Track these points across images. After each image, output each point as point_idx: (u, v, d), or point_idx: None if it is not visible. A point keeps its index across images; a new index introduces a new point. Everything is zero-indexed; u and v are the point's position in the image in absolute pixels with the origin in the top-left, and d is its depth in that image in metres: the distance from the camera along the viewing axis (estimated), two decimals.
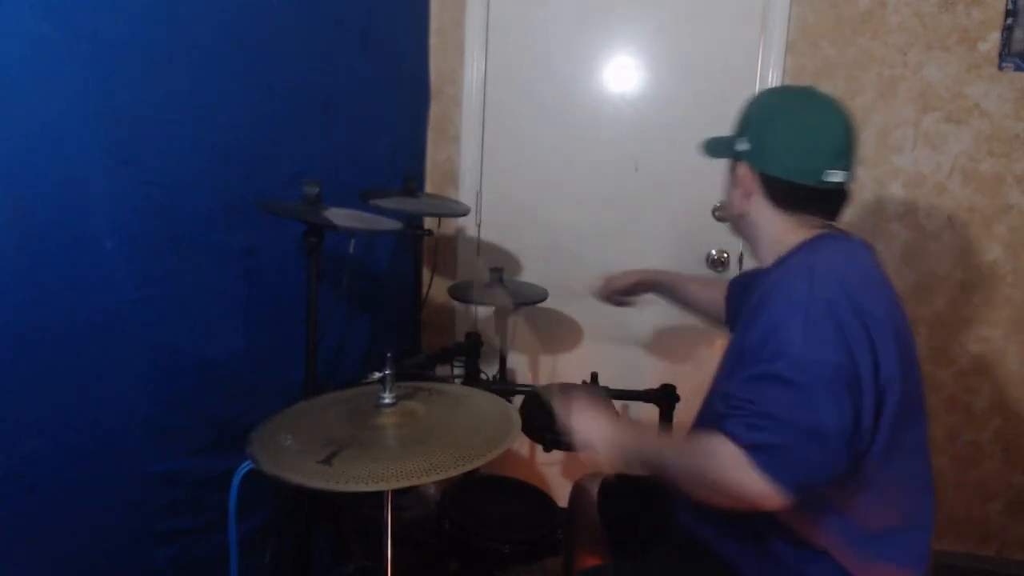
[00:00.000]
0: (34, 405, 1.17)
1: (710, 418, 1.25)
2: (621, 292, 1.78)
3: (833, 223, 1.21)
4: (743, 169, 1.21)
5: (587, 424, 1.23)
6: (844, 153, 1.17)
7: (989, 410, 2.30)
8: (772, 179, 1.19)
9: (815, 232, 1.19)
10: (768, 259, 1.24)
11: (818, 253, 1.14)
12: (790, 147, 1.17)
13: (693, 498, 1.10)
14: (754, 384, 1.03)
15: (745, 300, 1.36)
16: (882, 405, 1.04)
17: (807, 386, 0.98)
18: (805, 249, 1.17)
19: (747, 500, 1.00)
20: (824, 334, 1.01)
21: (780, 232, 1.21)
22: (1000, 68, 2.16)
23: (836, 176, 1.16)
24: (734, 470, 1.00)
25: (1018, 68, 2.14)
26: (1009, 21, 2.13)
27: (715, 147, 1.32)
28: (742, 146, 1.21)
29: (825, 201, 1.20)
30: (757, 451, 0.98)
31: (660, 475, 1.15)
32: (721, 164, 1.31)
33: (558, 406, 1.28)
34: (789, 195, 1.19)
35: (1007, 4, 2.12)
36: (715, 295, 1.60)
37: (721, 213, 1.35)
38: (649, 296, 1.80)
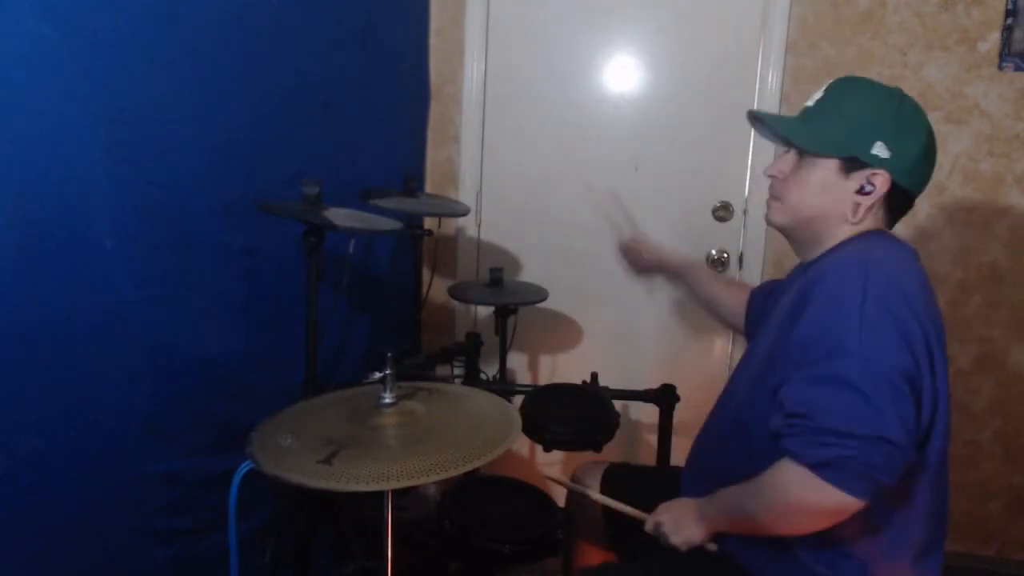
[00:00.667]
0: (34, 405, 1.17)
1: (736, 425, 1.25)
2: (646, 264, 1.69)
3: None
4: (881, 177, 1.12)
5: (677, 521, 1.23)
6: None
7: (989, 410, 2.30)
8: (902, 191, 1.14)
9: (863, 227, 1.16)
10: (815, 253, 1.20)
11: (873, 248, 1.11)
12: (925, 160, 1.14)
13: (789, 534, 1.10)
14: (811, 389, 1.01)
15: (769, 306, 1.35)
16: (936, 411, 1.06)
17: (868, 391, 0.96)
18: (858, 243, 1.14)
19: (829, 514, 1.02)
20: (883, 332, 0.99)
21: (854, 233, 1.17)
22: (1000, 68, 2.16)
23: None
24: (807, 490, 1.00)
25: (1018, 68, 2.14)
26: (1009, 21, 2.13)
27: (815, 139, 1.16)
28: (880, 151, 1.11)
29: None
30: (824, 468, 0.98)
31: (752, 526, 1.13)
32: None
33: (647, 522, 1.28)
34: (904, 207, 1.18)
35: (1007, 4, 2.12)
36: (739, 299, 1.54)
37: (794, 213, 1.21)
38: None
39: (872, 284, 1.02)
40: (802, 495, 1.01)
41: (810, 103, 1.21)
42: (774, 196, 1.23)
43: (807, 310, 1.06)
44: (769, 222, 1.26)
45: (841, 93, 1.19)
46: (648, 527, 1.28)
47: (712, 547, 1.23)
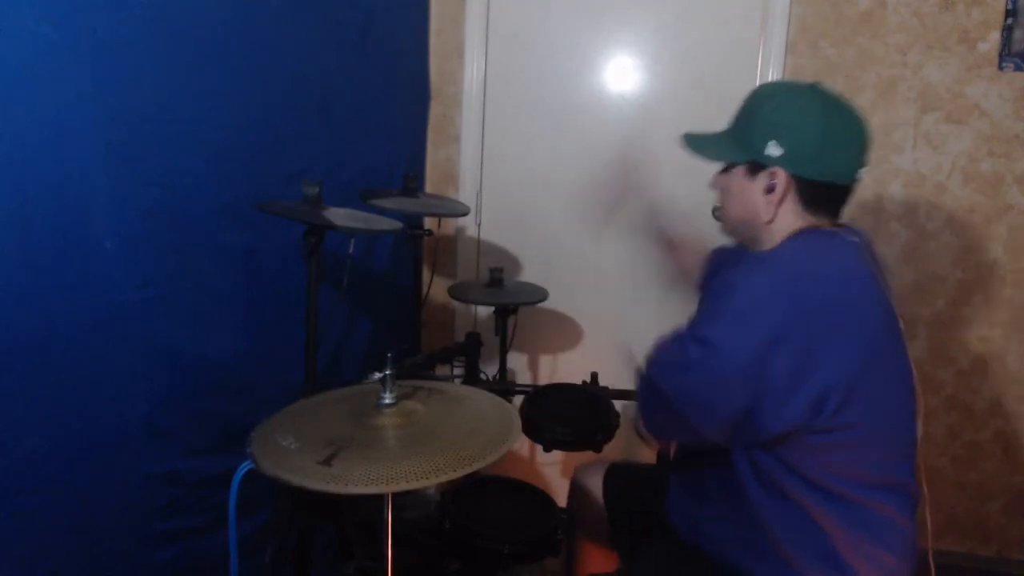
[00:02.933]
0: (34, 405, 1.17)
1: None
2: (694, 260, 1.72)
3: (836, 217, 1.22)
4: (778, 175, 1.16)
5: None
6: (868, 148, 1.19)
7: (989, 410, 2.30)
8: (809, 182, 1.16)
9: (803, 227, 1.19)
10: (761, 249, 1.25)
11: (794, 248, 1.16)
12: (831, 149, 1.16)
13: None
14: (685, 337, 1.11)
15: (723, 267, 1.42)
16: (818, 403, 1.04)
17: (726, 312, 1.06)
18: (785, 244, 1.18)
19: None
20: (774, 293, 1.05)
21: (789, 230, 1.19)
22: (1000, 68, 2.16)
23: (863, 172, 1.18)
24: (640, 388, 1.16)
25: (1018, 68, 2.14)
26: (1009, 21, 2.13)
27: (719, 148, 1.27)
28: (774, 151, 1.16)
29: (845, 196, 1.21)
30: (658, 345, 1.13)
31: None
32: (720, 164, 1.30)
33: None
34: (822, 196, 1.19)
35: (1007, 4, 2.12)
36: (698, 259, 1.64)
37: (730, 220, 1.31)
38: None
39: (758, 272, 1.10)
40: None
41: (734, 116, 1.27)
42: (719, 207, 1.34)
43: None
44: (725, 233, 1.37)
45: (748, 101, 1.26)
46: None
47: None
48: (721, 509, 1.21)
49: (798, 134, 1.16)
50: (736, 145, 1.23)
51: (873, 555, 1.10)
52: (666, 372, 1.13)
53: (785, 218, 1.19)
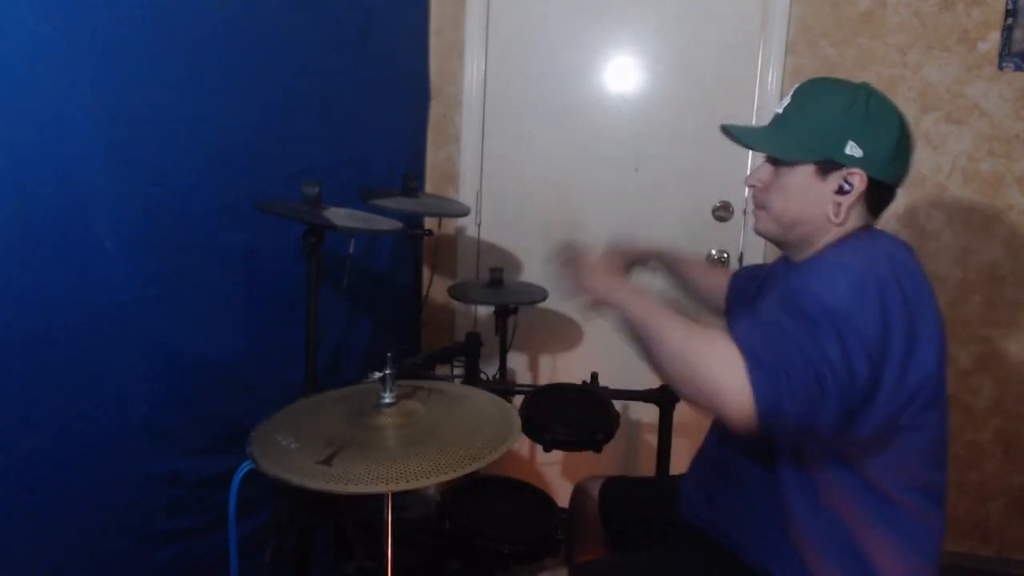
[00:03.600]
0: (34, 405, 1.17)
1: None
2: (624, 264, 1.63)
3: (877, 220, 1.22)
4: (857, 176, 1.12)
5: (596, 273, 1.25)
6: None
7: (989, 410, 2.30)
8: (883, 185, 1.15)
9: (850, 226, 1.17)
10: (805, 255, 1.21)
11: (877, 240, 1.13)
12: (899, 153, 1.15)
13: (663, 374, 1.09)
14: (776, 307, 1.01)
15: (753, 292, 1.36)
16: (914, 394, 1.05)
17: (827, 329, 0.95)
18: (846, 243, 1.15)
19: (717, 397, 0.96)
20: (866, 301, 0.98)
21: (843, 233, 1.17)
22: (1000, 68, 2.16)
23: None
24: (723, 364, 0.96)
25: (1018, 68, 2.14)
26: (1009, 21, 2.13)
27: (786, 146, 1.18)
28: (852, 151, 1.12)
29: (892, 201, 1.21)
30: (754, 356, 0.95)
31: (647, 342, 1.11)
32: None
33: (568, 263, 1.28)
34: (887, 200, 1.18)
35: (1007, 4, 2.12)
36: (719, 280, 1.55)
37: (782, 219, 1.22)
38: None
39: (872, 263, 1.04)
40: (716, 365, 0.98)
41: (779, 109, 1.22)
42: (758, 206, 1.25)
43: (808, 281, 1.06)
44: (758, 232, 1.27)
45: (807, 96, 1.20)
46: (557, 255, 1.31)
47: (592, 314, 1.23)
48: (749, 507, 1.20)
49: (879, 136, 1.13)
50: (803, 142, 1.17)
51: (903, 556, 1.10)
52: (803, 410, 0.97)
53: (852, 220, 1.17)
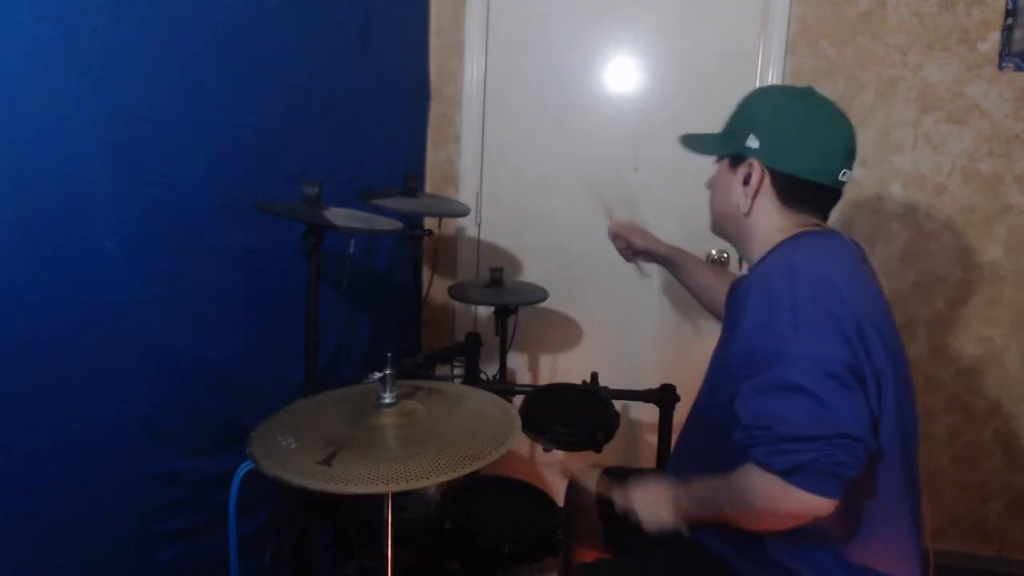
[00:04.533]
0: (34, 405, 1.17)
1: (702, 414, 1.28)
2: (637, 250, 1.71)
3: (823, 221, 1.23)
4: (754, 166, 1.20)
5: (649, 502, 1.25)
6: (853, 154, 1.21)
7: (989, 410, 2.30)
8: (785, 176, 1.19)
9: (798, 229, 1.20)
10: (755, 257, 1.25)
11: (796, 249, 1.14)
12: (808, 146, 1.18)
13: (761, 530, 1.11)
14: (762, 400, 1.02)
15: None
16: (881, 393, 1.05)
17: (818, 391, 0.97)
18: (783, 247, 1.17)
19: (800, 517, 1.02)
20: (818, 329, 1.00)
21: (775, 231, 1.21)
22: (1000, 68, 2.16)
23: (847, 176, 1.19)
24: (777, 497, 1.01)
25: (1018, 68, 2.14)
26: (1009, 21, 2.13)
27: (708, 143, 1.31)
28: (751, 143, 1.20)
29: (829, 200, 1.23)
30: (792, 474, 0.98)
31: (722, 518, 1.14)
32: None
33: (614, 494, 1.30)
34: (800, 193, 1.20)
35: (1007, 4, 2.12)
36: (724, 287, 1.58)
37: (713, 215, 1.35)
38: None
39: (797, 285, 1.04)
40: (773, 501, 1.02)
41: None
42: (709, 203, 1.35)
43: (740, 323, 1.09)
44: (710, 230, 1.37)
45: (743, 102, 1.29)
46: (619, 504, 1.29)
47: (684, 531, 1.23)
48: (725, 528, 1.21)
49: (776, 127, 1.19)
50: (723, 141, 1.28)
51: (883, 544, 1.11)
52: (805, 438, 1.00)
53: (764, 214, 1.22)
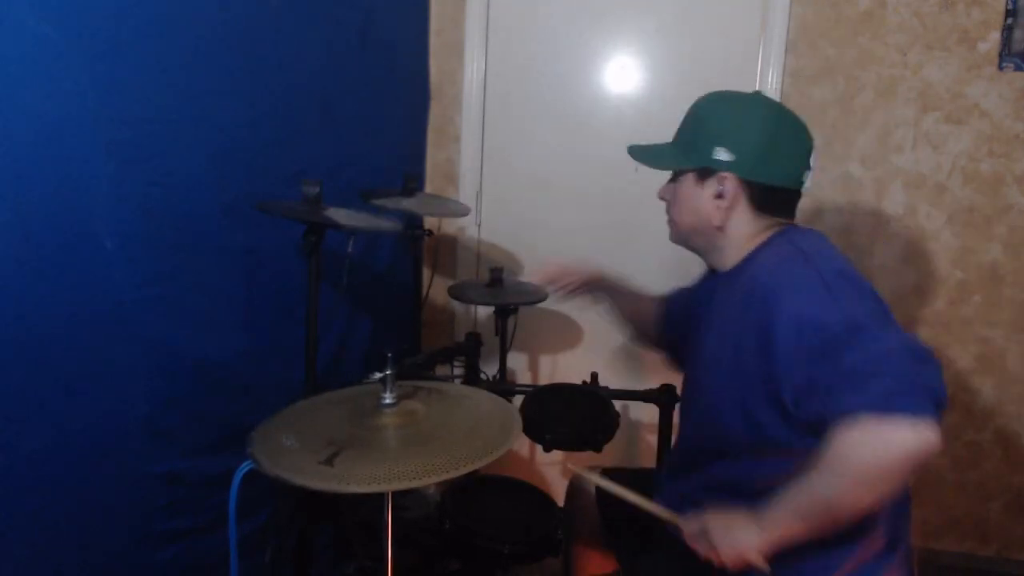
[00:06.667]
0: (34, 405, 1.17)
1: (706, 412, 1.25)
2: (573, 287, 1.65)
3: (791, 219, 1.25)
4: (728, 180, 1.19)
5: (728, 527, 1.09)
6: (810, 154, 1.22)
7: (989, 410, 2.30)
8: (759, 186, 1.19)
9: (775, 229, 1.21)
10: (729, 263, 1.24)
11: (792, 240, 1.16)
12: (776, 154, 1.19)
13: (874, 504, 1.01)
14: (822, 362, 0.97)
15: (691, 314, 1.36)
16: None
17: (870, 326, 0.98)
18: (776, 241, 1.18)
19: (911, 454, 0.92)
20: (850, 292, 1.02)
21: (749, 236, 1.21)
22: (1000, 68, 2.16)
23: (808, 176, 1.21)
24: (882, 436, 0.92)
25: (1018, 68, 2.14)
26: (1009, 21, 2.13)
27: (666, 156, 1.28)
28: (721, 155, 1.18)
29: (796, 200, 1.24)
30: (886, 402, 0.92)
31: (829, 512, 1.02)
32: None
33: (680, 523, 1.17)
34: (773, 200, 1.21)
35: (1007, 4, 2.12)
36: (651, 308, 1.56)
37: (680, 230, 1.31)
38: (646, 290, 1.76)
39: (819, 264, 1.06)
40: (878, 445, 0.93)
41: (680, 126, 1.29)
42: (668, 218, 1.33)
43: (774, 314, 1.04)
44: (671, 240, 1.35)
45: (693, 109, 1.28)
46: (689, 532, 1.14)
47: (766, 569, 1.05)
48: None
49: (746, 139, 1.18)
50: (684, 153, 1.25)
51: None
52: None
53: (738, 223, 1.22)
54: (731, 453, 1.18)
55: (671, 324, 1.52)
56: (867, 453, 0.94)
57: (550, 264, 1.66)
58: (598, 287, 1.66)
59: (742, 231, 1.22)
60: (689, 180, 1.24)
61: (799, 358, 1.02)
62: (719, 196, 1.20)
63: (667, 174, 1.35)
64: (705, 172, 1.21)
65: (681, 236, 1.32)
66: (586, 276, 1.64)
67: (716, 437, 1.22)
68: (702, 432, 1.29)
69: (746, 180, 1.19)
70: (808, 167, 1.21)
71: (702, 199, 1.22)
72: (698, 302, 1.36)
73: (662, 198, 1.34)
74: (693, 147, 1.23)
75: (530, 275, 2.52)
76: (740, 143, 1.18)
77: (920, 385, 0.93)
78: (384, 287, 2.28)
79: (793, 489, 1.03)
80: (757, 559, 1.04)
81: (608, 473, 1.55)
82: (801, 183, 1.21)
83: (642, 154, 1.33)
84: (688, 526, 1.14)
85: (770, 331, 1.05)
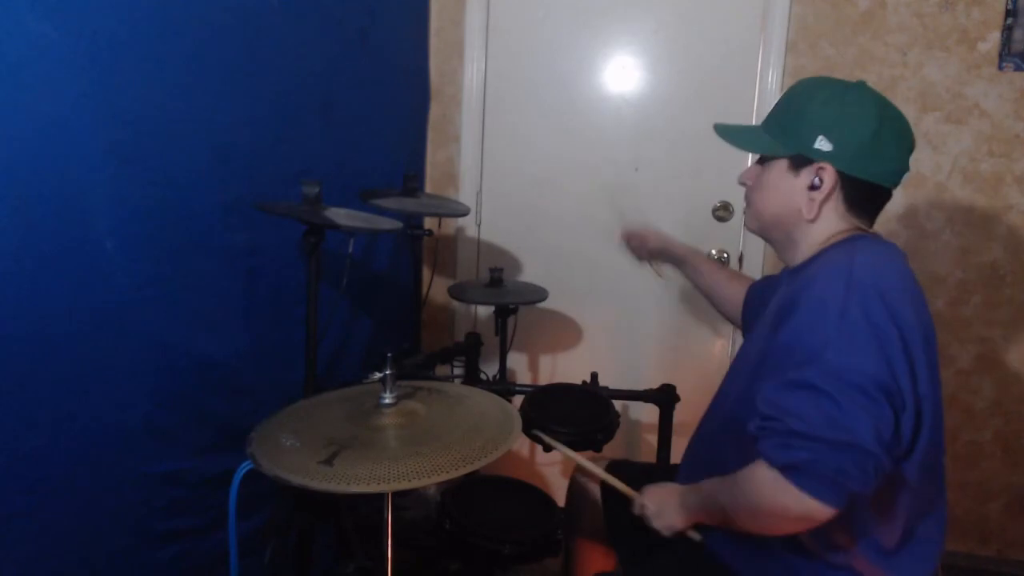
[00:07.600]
0: (34, 405, 1.17)
1: (729, 422, 1.24)
2: (651, 250, 1.68)
3: (872, 223, 1.19)
4: (827, 170, 1.12)
5: (660, 504, 1.26)
6: (911, 154, 1.16)
7: (989, 410, 2.30)
8: (856, 182, 1.13)
9: (850, 233, 1.15)
10: (798, 259, 1.20)
11: (856, 253, 1.08)
12: (878, 149, 1.12)
13: (760, 534, 1.09)
14: (783, 394, 0.99)
15: (762, 304, 1.33)
16: (921, 419, 1.02)
17: (839, 397, 0.94)
18: (841, 248, 1.12)
19: (797, 520, 1.00)
20: (860, 341, 0.97)
21: (827, 236, 1.16)
22: (1000, 68, 2.16)
23: (905, 177, 1.16)
24: (776, 493, 0.99)
25: (1018, 68, 2.14)
26: (1009, 21, 2.13)
27: (758, 140, 1.21)
28: (823, 146, 1.11)
29: (884, 203, 1.18)
30: (793, 471, 0.96)
31: (726, 521, 1.13)
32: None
33: (635, 503, 1.32)
34: (866, 198, 1.15)
35: (1007, 4, 2.12)
36: (738, 291, 1.54)
37: (762, 217, 1.24)
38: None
39: (853, 291, 1.00)
40: (772, 497, 1.00)
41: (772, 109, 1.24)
42: (747, 203, 1.27)
43: (792, 317, 1.05)
44: (747, 228, 1.30)
45: (791, 93, 1.21)
46: (635, 509, 1.31)
47: (695, 536, 1.24)
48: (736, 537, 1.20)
49: (850, 131, 1.11)
50: (778, 138, 1.18)
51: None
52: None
53: (827, 218, 1.15)
54: (749, 452, 1.18)
55: (748, 311, 1.49)
56: (760, 497, 1.02)
57: (627, 228, 1.72)
58: (674, 259, 1.67)
59: (827, 228, 1.16)
60: (781, 167, 1.17)
61: (776, 366, 1.04)
62: (813, 187, 1.13)
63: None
64: (800, 160, 1.15)
65: (761, 224, 1.25)
66: (662, 245, 1.67)
67: (737, 431, 1.21)
68: (726, 435, 1.27)
69: (844, 173, 1.12)
70: (907, 168, 1.15)
71: (794, 188, 1.16)
72: (771, 293, 1.32)
73: (742, 183, 1.26)
74: (791, 133, 1.16)
75: (531, 274, 2.53)
76: (843, 134, 1.11)
77: (829, 473, 0.95)
78: (384, 287, 2.28)
79: (710, 486, 1.16)
80: (686, 531, 1.24)
81: (613, 465, 1.55)
82: (896, 183, 1.15)
83: (733, 135, 1.25)
84: (635, 505, 1.30)
85: (779, 334, 1.06)
